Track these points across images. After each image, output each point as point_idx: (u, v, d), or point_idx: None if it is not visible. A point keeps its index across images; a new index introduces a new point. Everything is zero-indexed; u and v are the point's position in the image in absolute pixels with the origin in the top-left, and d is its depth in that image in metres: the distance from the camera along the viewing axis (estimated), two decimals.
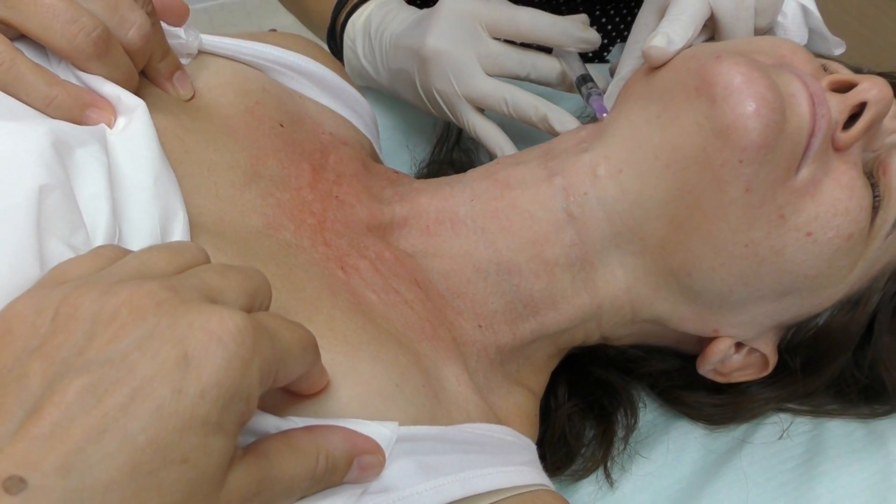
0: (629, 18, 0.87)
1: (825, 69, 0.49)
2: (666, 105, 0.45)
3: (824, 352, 0.51)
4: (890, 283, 0.50)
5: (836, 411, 0.56)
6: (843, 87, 0.46)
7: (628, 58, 0.54)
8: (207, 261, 0.31)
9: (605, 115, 0.50)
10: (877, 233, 0.46)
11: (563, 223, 0.48)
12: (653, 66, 0.48)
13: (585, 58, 0.63)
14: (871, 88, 0.44)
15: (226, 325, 0.26)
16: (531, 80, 0.59)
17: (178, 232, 0.35)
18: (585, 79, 0.56)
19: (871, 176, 0.46)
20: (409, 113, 0.72)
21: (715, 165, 0.42)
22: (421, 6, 0.65)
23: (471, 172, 0.53)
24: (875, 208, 0.46)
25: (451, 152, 0.69)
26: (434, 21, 0.58)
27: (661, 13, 0.52)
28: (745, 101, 0.41)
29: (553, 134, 0.55)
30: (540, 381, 0.52)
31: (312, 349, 0.31)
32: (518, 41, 0.59)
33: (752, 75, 0.42)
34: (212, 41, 0.48)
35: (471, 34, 0.57)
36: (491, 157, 0.62)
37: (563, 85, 0.60)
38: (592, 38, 0.57)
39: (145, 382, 0.25)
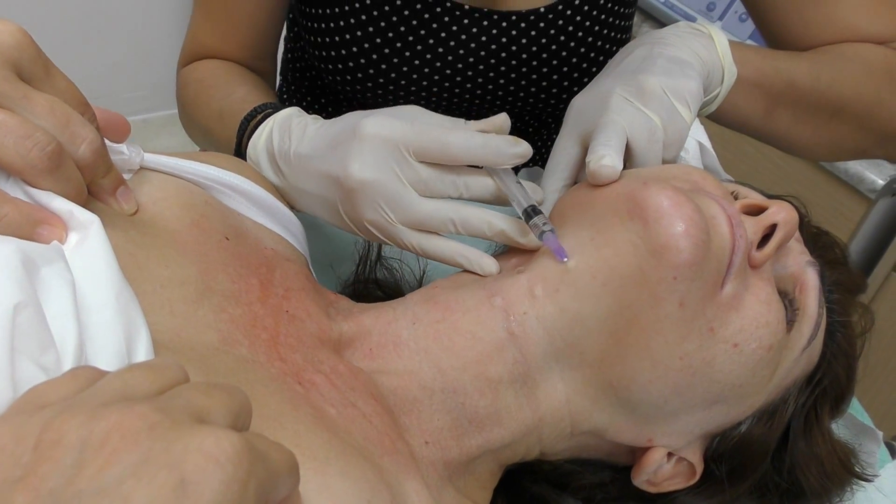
0: (539, 145, 0.92)
1: (732, 194, 0.54)
2: (599, 228, 0.48)
3: (747, 459, 0.54)
4: (801, 394, 0.54)
5: None
6: (754, 211, 0.51)
7: (550, 180, 0.57)
8: (188, 379, 0.30)
9: (565, 259, 0.48)
10: (793, 345, 0.50)
11: (505, 342, 0.49)
12: (598, 184, 0.50)
13: None
14: (779, 211, 0.49)
15: (222, 447, 0.25)
16: (464, 200, 0.56)
17: (143, 349, 0.34)
18: (536, 210, 0.52)
19: (787, 292, 0.50)
20: (331, 231, 0.73)
21: (651, 282, 0.45)
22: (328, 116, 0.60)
23: (411, 296, 0.53)
24: (791, 322, 0.50)
25: (375, 270, 0.69)
26: (356, 148, 0.53)
27: (583, 140, 0.55)
28: (676, 223, 0.45)
29: (515, 246, 0.53)
30: (485, 497, 0.52)
31: (296, 470, 0.30)
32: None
33: (678, 199, 0.46)
34: (152, 158, 0.48)
35: (397, 160, 0.53)
36: (417, 277, 0.63)
37: (497, 201, 0.56)
38: (524, 151, 0.53)
39: None
